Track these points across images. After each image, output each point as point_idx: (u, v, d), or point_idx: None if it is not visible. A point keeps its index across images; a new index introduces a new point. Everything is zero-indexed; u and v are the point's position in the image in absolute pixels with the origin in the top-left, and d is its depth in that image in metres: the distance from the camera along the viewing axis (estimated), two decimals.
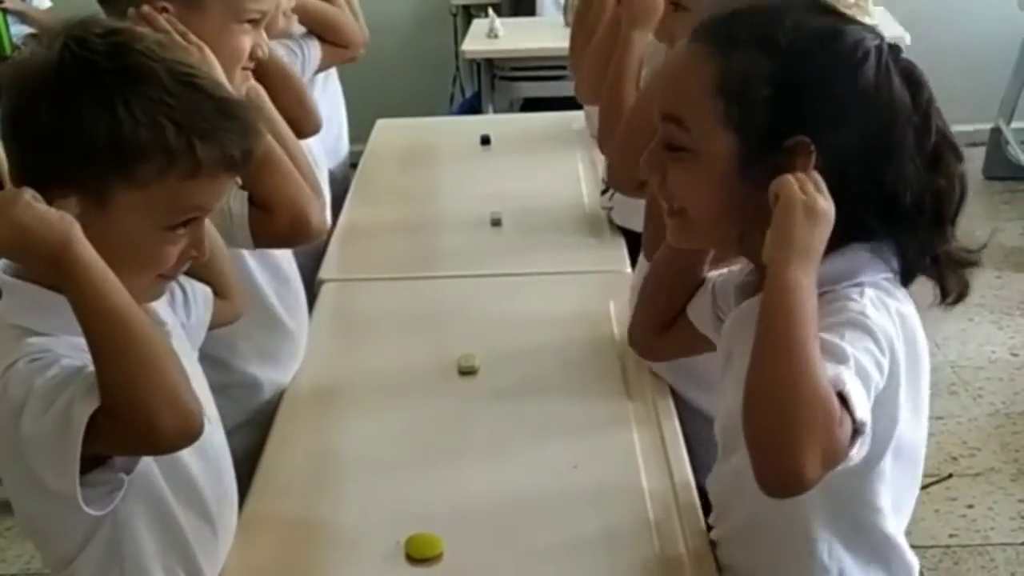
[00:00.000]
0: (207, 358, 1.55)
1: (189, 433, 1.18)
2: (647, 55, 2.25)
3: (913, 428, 1.30)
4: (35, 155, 1.24)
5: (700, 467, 1.65)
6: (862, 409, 1.11)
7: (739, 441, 1.17)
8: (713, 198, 1.27)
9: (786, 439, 1.09)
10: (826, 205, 1.18)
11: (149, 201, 1.24)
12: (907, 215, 1.25)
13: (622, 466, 1.67)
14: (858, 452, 1.13)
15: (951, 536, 2.92)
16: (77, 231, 1.15)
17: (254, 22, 1.77)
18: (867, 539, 1.34)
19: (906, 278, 1.29)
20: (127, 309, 1.16)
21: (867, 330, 1.19)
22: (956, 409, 3.48)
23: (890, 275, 1.28)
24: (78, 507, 1.20)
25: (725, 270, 1.53)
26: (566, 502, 1.60)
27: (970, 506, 3.05)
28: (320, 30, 2.75)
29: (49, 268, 1.16)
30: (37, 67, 1.25)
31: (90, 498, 1.21)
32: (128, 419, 1.15)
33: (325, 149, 2.71)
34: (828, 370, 1.11)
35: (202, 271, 1.52)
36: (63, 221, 1.15)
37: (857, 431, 1.11)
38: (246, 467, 1.64)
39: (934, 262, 1.29)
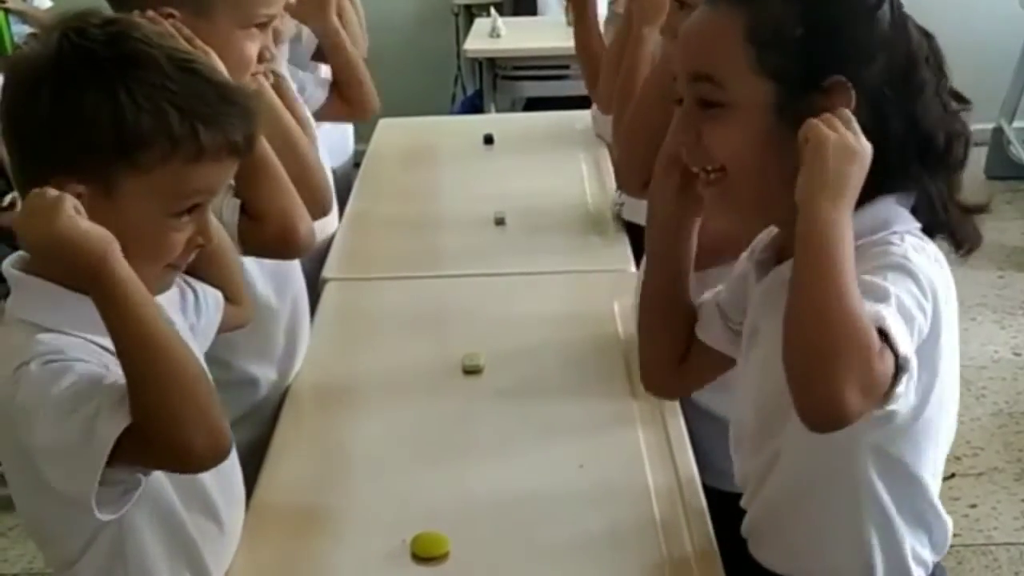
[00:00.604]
0: (206, 356, 1.55)
1: (220, 452, 1.19)
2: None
3: (952, 377, 1.30)
4: (38, 146, 1.24)
5: (707, 467, 1.65)
6: (904, 344, 1.11)
7: (779, 422, 1.21)
8: (754, 149, 1.26)
9: (823, 368, 1.09)
10: (858, 142, 1.18)
11: (154, 187, 1.24)
12: (940, 156, 1.26)
13: (628, 465, 1.67)
14: (905, 392, 1.13)
15: (954, 536, 2.82)
16: (115, 248, 1.15)
17: (261, 26, 1.77)
18: (912, 497, 1.34)
19: (930, 230, 1.28)
20: (161, 327, 1.16)
21: (910, 273, 1.18)
22: (959, 408, 3.47)
23: (919, 226, 1.27)
24: (86, 511, 1.19)
25: (718, 288, 1.50)
26: (572, 501, 1.60)
27: (973, 506, 3.06)
28: (341, 75, 2.49)
29: (83, 282, 1.16)
30: (36, 59, 1.24)
31: (103, 499, 1.20)
32: (161, 438, 1.15)
33: (330, 148, 2.70)
34: (868, 307, 1.11)
35: (214, 276, 1.53)
36: (103, 239, 1.15)
37: (901, 367, 1.11)
38: (248, 462, 1.63)
39: (946, 212, 1.29)
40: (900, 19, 1.27)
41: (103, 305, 1.15)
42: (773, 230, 1.38)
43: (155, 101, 1.22)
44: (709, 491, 1.60)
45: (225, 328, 1.59)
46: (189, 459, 1.18)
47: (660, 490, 1.60)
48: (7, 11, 4.33)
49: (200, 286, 1.51)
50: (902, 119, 1.25)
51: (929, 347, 1.21)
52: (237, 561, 1.47)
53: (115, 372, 1.19)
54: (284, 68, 2.41)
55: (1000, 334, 3.97)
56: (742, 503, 1.47)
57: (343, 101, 2.49)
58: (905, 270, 1.19)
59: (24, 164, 1.26)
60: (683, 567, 1.46)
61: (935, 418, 1.30)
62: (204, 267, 1.51)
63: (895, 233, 1.24)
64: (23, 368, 1.19)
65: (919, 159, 1.26)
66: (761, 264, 1.38)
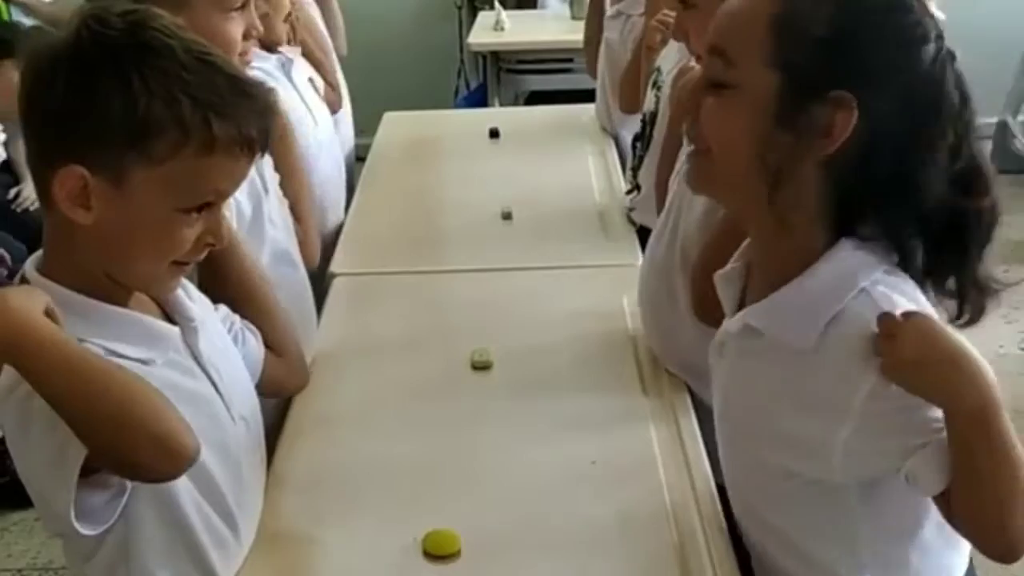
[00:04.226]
0: None
1: (179, 465, 1.21)
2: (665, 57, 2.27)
3: None
4: (52, 133, 1.23)
5: (718, 466, 1.64)
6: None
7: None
8: (743, 137, 1.23)
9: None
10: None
11: (165, 179, 1.22)
12: (927, 221, 1.23)
13: (640, 462, 1.66)
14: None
15: None
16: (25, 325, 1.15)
17: (242, 7, 1.77)
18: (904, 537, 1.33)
19: (916, 279, 1.26)
20: (87, 368, 1.17)
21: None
22: None
23: (888, 267, 1.26)
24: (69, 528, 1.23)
25: None
26: (584, 498, 1.59)
27: None
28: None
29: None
30: (55, 47, 1.24)
31: (94, 505, 1.23)
32: (116, 463, 1.19)
33: (330, 139, 2.66)
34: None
35: (256, 317, 1.57)
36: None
37: None
38: None
39: (956, 282, 1.27)
40: (941, 66, 1.21)
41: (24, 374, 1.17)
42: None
43: (168, 89, 1.21)
44: (722, 489, 1.59)
45: (270, 384, 1.62)
46: (146, 476, 1.22)
47: (673, 487, 1.60)
48: (10, 3, 4.31)
49: (240, 320, 1.56)
50: (895, 161, 1.20)
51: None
52: (248, 559, 1.46)
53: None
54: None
55: (1006, 329, 3.95)
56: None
57: None
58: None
59: (39, 152, 1.25)
60: (697, 564, 1.45)
61: None
62: (241, 306, 1.56)
63: (862, 291, 1.23)
64: (14, 393, 1.20)
65: (899, 209, 1.22)
66: (727, 279, 1.39)
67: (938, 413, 1.20)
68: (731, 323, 1.36)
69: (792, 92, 1.20)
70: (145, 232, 1.24)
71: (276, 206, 1.90)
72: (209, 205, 1.27)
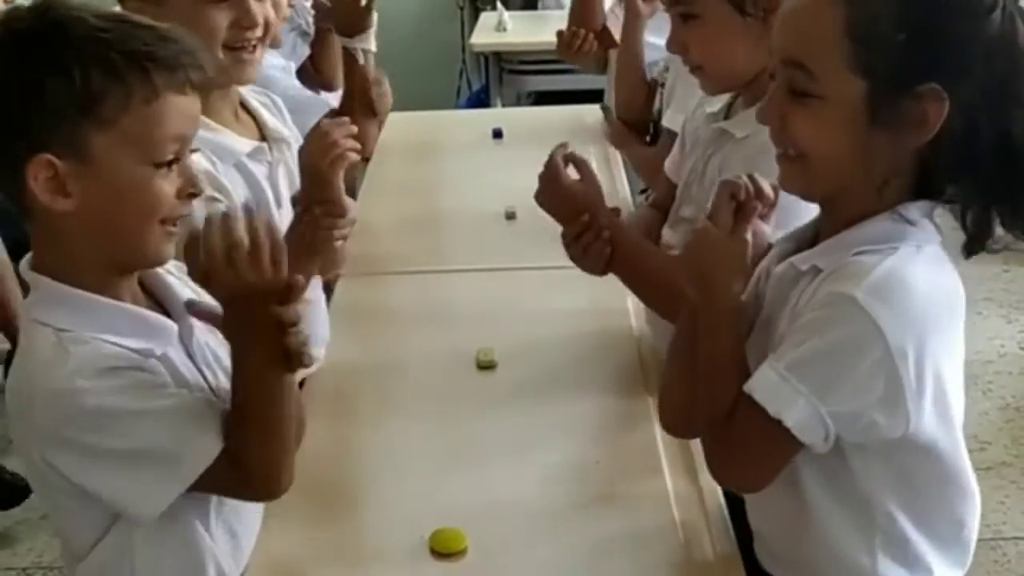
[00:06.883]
0: None
1: (287, 487, 1.34)
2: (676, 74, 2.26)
3: (957, 385, 1.33)
4: (6, 134, 1.25)
5: None
6: (774, 405, 1.24)
7: None
8: (840, 143, 1.24)
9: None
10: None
11: (124, 137, 1.24)
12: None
13: (645, 461, 1.67)
14: (822, 431, 1.23)
15: None
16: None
17: None
18: (930, 511, 1.36)
19: (980, 245, 1.27)
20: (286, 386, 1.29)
21: (842, 316, 1.21)
22: (966, 403, 3.45)
23: (936, 240, 1.27)
24: (131, 519, 1.29)
25: None
26: (589, 496, 1.60)
27: (981, 500, 3.04)
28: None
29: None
30: None
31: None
32: (253, 472, 1.29)
33: None
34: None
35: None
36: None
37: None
38: None
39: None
40: (1010, 23, 1.22)
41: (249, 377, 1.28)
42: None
43: (97, 52, 1.23)
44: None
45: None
46: (272, 492, 1.35)
47: (678, 485, 1.61)
48: None
49: None
50: (994, 132, 1.22)
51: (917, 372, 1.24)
52: (256, 557, 1.46)
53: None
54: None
55: (1006, 328, 3.96)
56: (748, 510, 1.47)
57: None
58: (844, 310, 1.20)
59: (2, 158, 1.26)
60: (703, 561, 1.46)
61: (940, 434, 1.32)
62: None
63: (894, 247, 1.24)
64: (64, 390, 1.22)
65: (1006, 172, 1.23)
66: (782, 252, 1.37)
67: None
68: (779, 266, 1.35)
69: (880, 94, 1.21)
70: (126, 198, 1.26)
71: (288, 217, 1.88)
72: (176, 161, 1.29)
